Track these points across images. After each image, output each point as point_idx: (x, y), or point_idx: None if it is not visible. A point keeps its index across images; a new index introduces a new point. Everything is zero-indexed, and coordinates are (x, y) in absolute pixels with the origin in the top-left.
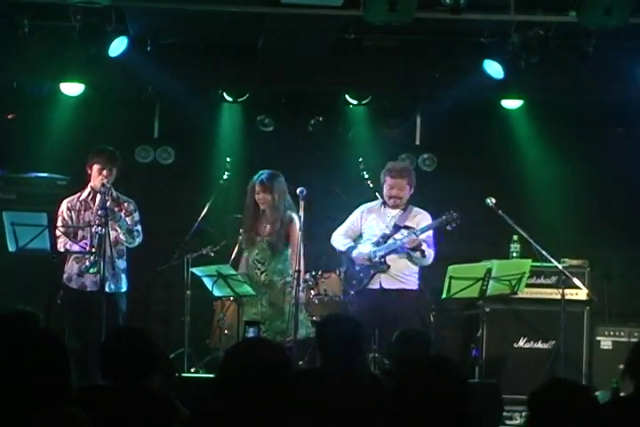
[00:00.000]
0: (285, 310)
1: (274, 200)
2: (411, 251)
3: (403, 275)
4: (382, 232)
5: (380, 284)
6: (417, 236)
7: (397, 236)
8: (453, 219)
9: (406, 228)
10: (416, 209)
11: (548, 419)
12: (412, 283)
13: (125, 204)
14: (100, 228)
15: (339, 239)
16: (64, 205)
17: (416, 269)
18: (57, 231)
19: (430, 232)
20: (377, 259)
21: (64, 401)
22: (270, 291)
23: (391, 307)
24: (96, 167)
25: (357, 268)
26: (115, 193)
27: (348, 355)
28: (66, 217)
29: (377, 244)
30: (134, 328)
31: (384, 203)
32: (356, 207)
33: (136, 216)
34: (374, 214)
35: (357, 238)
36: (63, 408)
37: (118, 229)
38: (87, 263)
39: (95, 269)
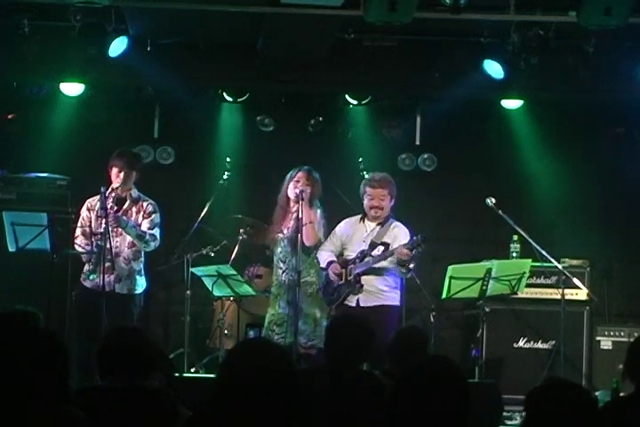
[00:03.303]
0: (305, 311)
1: (312, 193)
2: (399, 265)
3: (381, 291)
4: (360, 249)
5: (357, 301)
6: (410, 250)
7: (374, 252)
8: (419, 243)
9: (383, 244)
10: (395, 223)
11: (544, 419)
12: (392, 299)
13: (144, 204)
14: (100, 229)
15: (321, 256)
16: (85, 204)
17: (396, 284)
18: (77, 230)
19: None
20: (351, 277)
21: (62, 401)
22: (290, 291)
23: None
24: (114, 170)
25: (335, 284)
26: (136, 193)
27: (354, 358)
28: (85, 217)
29: (354, 262)
30: (133, 328)
31: (364, 217)
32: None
33: (155, 218)
34: (353, 228)
35: (343, 251)
36: (61, 408)
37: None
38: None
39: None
